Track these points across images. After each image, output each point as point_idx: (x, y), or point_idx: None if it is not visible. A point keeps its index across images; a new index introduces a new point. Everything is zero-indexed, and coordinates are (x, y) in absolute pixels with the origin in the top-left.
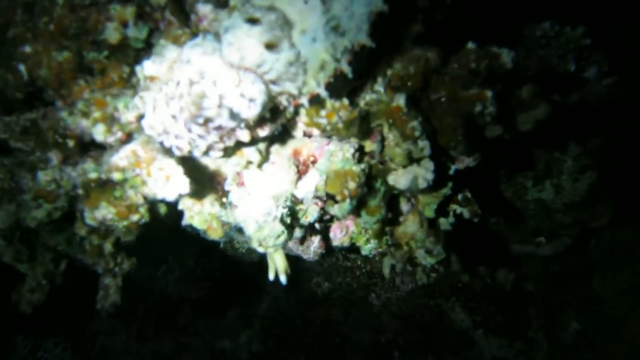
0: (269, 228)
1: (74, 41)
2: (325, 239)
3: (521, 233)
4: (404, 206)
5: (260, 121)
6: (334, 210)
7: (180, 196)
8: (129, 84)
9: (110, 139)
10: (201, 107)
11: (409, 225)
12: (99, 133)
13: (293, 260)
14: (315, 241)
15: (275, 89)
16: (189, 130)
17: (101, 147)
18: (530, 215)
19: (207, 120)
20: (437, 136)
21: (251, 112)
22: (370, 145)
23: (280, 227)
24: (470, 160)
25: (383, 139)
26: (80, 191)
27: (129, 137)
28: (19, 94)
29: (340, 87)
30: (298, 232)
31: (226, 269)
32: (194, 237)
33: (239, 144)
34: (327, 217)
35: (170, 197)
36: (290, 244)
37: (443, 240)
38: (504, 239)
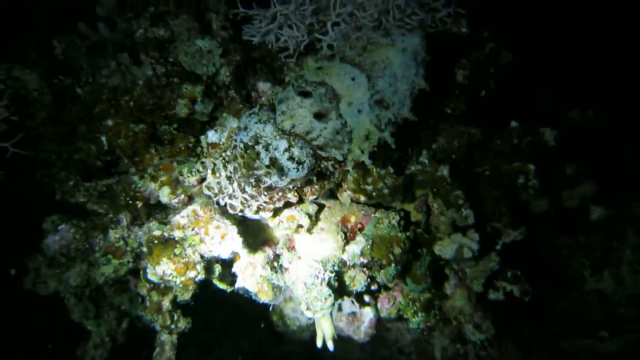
0: (316, 290)
1: (149, 116)
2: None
3: (580, 325)
4: (452, 280)
5: (308, 184)
6: (380, 275)
7: (234, 253)
8: (194, 152)
9: (174, 201)
10: (253, 167)
11: (458, 299)
12: (165, 195)
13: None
14: (366, 320)
15: (322, 154)
16: (243, 190)
17: (166, 211)
18: (589, 306)
19: (259, 181)
20: (482, 208)
21: (299, 173)
22: (416, 215)
23: (327, 290)
24: (516, 234)
25: (428, 209)
26: (144, 248)
27: (190, 200)
28: (99, 162)
29: (384, 156)
30: (347, 307)
31: None
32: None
33: (290, 208)
34: (375, 287)
35: (225, 254)
36: (341, 324)
37: (492, 316)
38: (560, 328)
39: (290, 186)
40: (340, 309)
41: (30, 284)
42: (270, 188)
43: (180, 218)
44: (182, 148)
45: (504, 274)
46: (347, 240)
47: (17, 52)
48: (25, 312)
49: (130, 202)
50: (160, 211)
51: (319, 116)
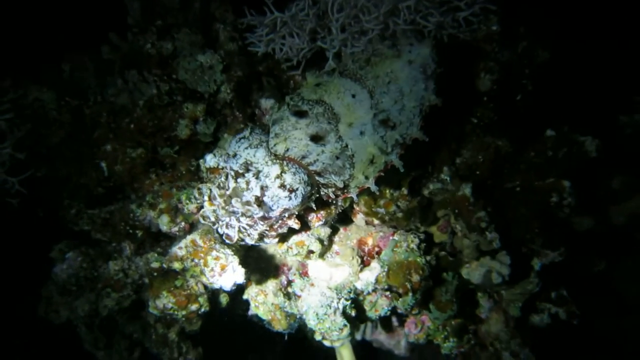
0: (329, 321)
1: (150, 138)
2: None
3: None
4: (485, 303)
5: (309, 211)
6: (398, 304)
7: (236, 286)
8: (196, 176)
9: (174, 229)
10: (242, 199)
11: (493, 324)
12: (164, 223)
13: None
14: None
15: (320, 180)
16: (238, 220)
17: (171, 239)
18: None
19: (250, 212)
20: (512, 228)
21: (291, 202)
22: (440, 236)
23: (341, 321)
24: (555, 255)
25: (453, 230)
26: (146, 280)
27: (192, 227)
28: (100, 189)
29: (394, 179)
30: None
31: None
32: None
33: (299, 233)
34: (401, 310)
35: (227, 287)
36: (381, 338)
37: (531, 342)
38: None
39: (286, 215)
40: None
41: (43, 313)
42: (264, 218)
43: (178, 249)
44: (184, 172)
45: (547, 295)
46: (364, 264)
47: (32, 71)
48: (41, 339)
49: (131, 231)
50: (165, 239)
51: (316, 139)
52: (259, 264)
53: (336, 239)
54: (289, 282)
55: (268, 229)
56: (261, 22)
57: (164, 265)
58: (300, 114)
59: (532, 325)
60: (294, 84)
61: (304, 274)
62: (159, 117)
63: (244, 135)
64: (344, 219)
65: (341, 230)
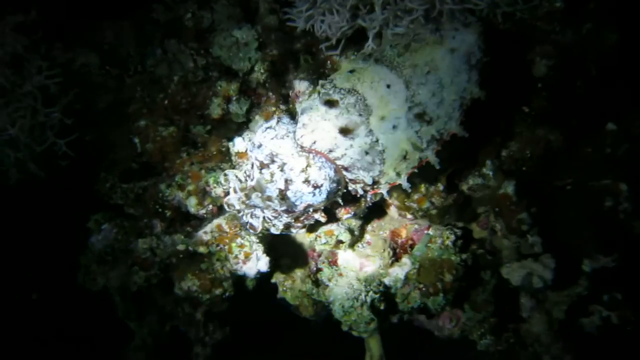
0: (355, 314)
1: (184, 115)
2: None
3: None
4: (527, 302)
5: (336, 206)
6: (428, 302)
7: (261, 274)
8: (227, 158)
9: (202, 212)
10: (265, 193)
11: (535, 325)
12: (192, 205)
13: None
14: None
15: (348, 176)
16: (262, 211)
17: (202, 219)
18: None
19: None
20: (561, 229)
21: (315, 199)
22: (479, 232)
23: (368, 314)
24: (607, 261)
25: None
26: (173, 260)
27: (220, 211)
28: (134, 164)
29: (430, 174)
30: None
31: None
32: None
33: (327, 223)
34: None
35: (250, 274)
36: (422, 318)
37: (576, 346)
38: None
39: (310, 210)
40: None
41: (82, 280)
42: (288, 211)
43: (203, 234)
44: (214, 153)
45: (599, 298)
46: (397, 257)
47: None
48: (79, 306)
49: (160, 210)
50: (195, 219)
51: (345, 131)
52: (288, 249)
53: (369, 228)
54: (318, 270)
55: (293, 220)
56: None
57: (190, 248)
58: (331, 104)
59: (580, 329)
60: (331, 65)
61: (333, 262)
62: (192, 93)
63: (271, 125)
64: (378, 209)
65: (375, 219)
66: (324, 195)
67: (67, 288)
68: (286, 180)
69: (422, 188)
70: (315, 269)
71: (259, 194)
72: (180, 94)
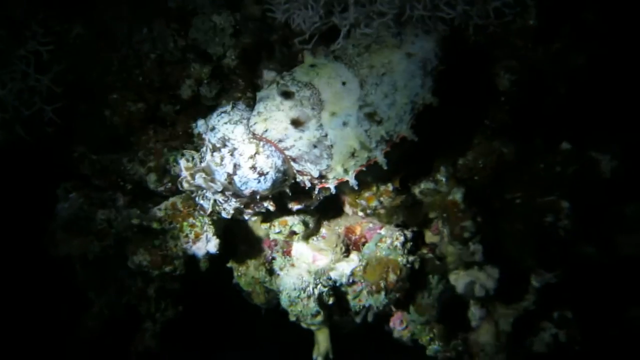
0: (301, 305)
1: (156, 94)
2: None
3: None
4: (477, 311)
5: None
6: (371, 300)
7: (209, 255)
8: (193, 139)
9: (161, 189)
10: (213, 175)
11: (482, 335)
12: (151, 182)
13: None
14: None
15: (296, 167)
16: (213, 193)
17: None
18: None
19: (223, 188)
20: (508, 241)
21: (260, 185)
22: (431, 237)
23: (314, 306)
24: (550, 277)
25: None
26: (129, 234)
27: (178, 190)
28: (103, 136)
29: (384, 173)
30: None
31: None
32: None
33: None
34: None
35: (199, 254)
36: None
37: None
38: None
39: (257, 197)
40: None
41: (45, 246)
42: (236, 195)
43: (157, 210)
44: (181, 133)
45: (550, 315)
46: (348, 253)
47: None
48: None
49: (122, 183)
50: (158, 197)
51: (297, 123)
52: (247, 236)
53: (325, 222)
54: (273, 259)
55: (243, 206)
56: None
57: (144, 223)
58: (287, 95)
59: (529, 344)
60: (302, 58)
61: (286, 252)
62: (167, 73)
63: (226, 110)
64: (337, 205)
65: (332, 215)
66: (269, 183)
67: (33, 253)
68: (235, 165)
69: (373, 187)
70: (270, 257)
71: (203, 175)
72: (155, 72)
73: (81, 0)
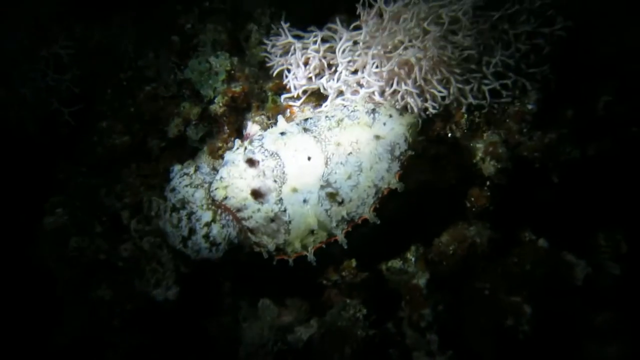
0: None
1: (145, 126)
2: None
3: None
4: None
5: None
6: None
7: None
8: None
9: (133, 226)
10: (168, 237)
11: None
12: (124, 218)
13: None
14: None
15: (253, 238)
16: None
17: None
18: None
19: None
20: (469, 334)
21: (212, 255)
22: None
23: None
24: None
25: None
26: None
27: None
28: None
29: (338, 252)
30: None
31: None
32: None
33: None
34: None
35: (159, 299)
36: None
37: None
38: None
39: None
40: None
41: (30, 253)
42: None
43: (123, 250)
44: (162, 171)
45: None
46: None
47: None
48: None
49: (97, 213)
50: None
51: (257, 195)
52: None
53: None
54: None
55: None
56: (275, 42)
57: (111, 260)
58: (251, 163)
59: None
60: (290, 114)
61: None
62: (159, 107)
63: (189, 172)
64: None
65: None
66: (220, 254)
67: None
68: (190, 229)
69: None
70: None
71: (151, 239)
72: (147, 105)
73: (102, 9)
